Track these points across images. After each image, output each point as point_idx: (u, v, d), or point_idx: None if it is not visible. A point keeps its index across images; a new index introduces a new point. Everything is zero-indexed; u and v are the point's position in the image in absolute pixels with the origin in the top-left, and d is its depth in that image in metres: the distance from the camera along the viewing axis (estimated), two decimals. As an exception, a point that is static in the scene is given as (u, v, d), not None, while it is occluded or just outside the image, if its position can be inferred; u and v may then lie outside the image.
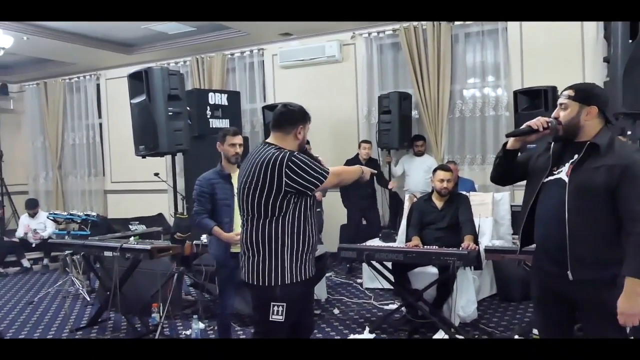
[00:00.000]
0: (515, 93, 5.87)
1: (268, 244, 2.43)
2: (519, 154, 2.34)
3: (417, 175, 6.50)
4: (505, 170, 2.36)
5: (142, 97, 4.24)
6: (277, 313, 2.42)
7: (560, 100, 2.20)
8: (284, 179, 2.36)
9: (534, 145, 2.45)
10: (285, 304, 2.42)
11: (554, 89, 5.63)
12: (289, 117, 2.50)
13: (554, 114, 2.21)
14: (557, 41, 6.01)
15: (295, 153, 2.43)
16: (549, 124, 2.17)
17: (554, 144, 2.24)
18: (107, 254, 4.30)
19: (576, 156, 2.14)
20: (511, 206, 5.32)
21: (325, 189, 2.67)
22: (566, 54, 5.97)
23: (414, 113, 6.77)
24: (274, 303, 2.42)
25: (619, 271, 2.00)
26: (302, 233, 2.46)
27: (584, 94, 2.17)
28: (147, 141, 4.26)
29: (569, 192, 2.09)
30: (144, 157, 4.49)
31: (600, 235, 2.06)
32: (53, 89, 9.12)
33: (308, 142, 2.68)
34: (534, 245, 2.30)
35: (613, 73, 3.16)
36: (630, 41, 3.12)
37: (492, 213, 5.17)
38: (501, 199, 5.27)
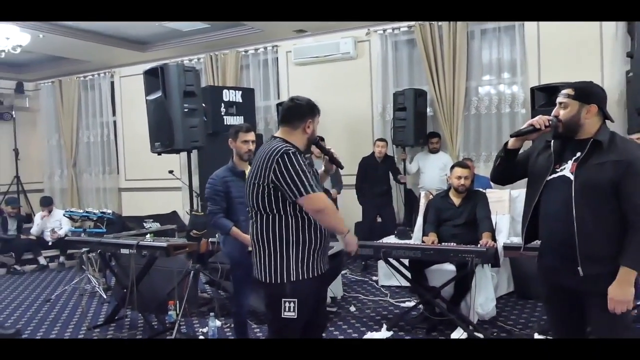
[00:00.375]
0: (532, 90, 5.80)
1: (273, 240, 2.41)
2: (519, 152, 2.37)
3: (432, 172, 6.46)
4: (507, 170, 2.38)
5: (158, 94, 4.24)
6: (289, 309, 2.40)
7: (559, 99, 2.22)
8: (270, 172, 2.34)
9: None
10: (296, 300, 2.40)
11: (572, 85, 5.56)
12: (296, 111, 2.48)
13: (553, 113, 2.23)
14: (575, 38, 5.92)
15: (293, 152, 2.35)
16: (550, 122, 2.20)
17: (554, 142, 2.26)
18: (124, 251, 4.30)
19: (579, 153, 2.17)
20: (529, 203, 5.25)
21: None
22: (584, 51, 5.89)
23: (429, 110, 6.72)
24: (285, 299, 2.40)
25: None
26: (308, 230, 2.42)
27: (583, 92, 2.21)
28: (163, 138, 4.26)
29: (575, 189, 2.12)
30: (159, 154, 4.49)
31: (608, 230, 2.10)
32: (68, 87, 9.18)
33: (322, 139, 2.65)
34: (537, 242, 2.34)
35: (637, 68, 3.09)
36: (655, 35, 3.06)
37: (509, 210, 5.11)
38: (518, 196, 5.19)
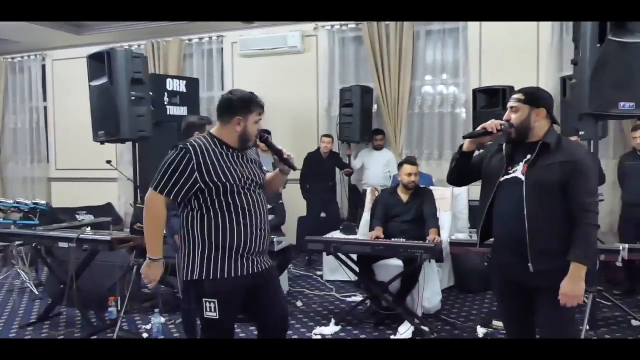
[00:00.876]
0: (474, 91, 6.02)
1: (193, 236, 2.34)
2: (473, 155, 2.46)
3: (375, 169, 6.56)
4: (462, 171, 2.48)
5: (104, 80, 4.04)
6: (210, 309, 2.32)
7: (510, 104, 2.32)
8: None
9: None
10: (216, 300, 2.31)
11: (511, 88, 5.79)
12: (227, 106, 2.36)
13: (505, 117, 2.33)
14: (514, 42, 6.18)
15: (181, 148, 2.29)
16: (502, 127, 2.30)
17: (505, 145, 2.37)
18: (62, 244, 4.08)
19: (529, 155, 2.28)
20: (469, 201, 5.45)
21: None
22: (522, 56, 6.17)
23: (374, 107, 6.81)
24: (205, 299, 2.33)
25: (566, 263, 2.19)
26: (229, 229, 2.33)
27: (532, 96, 2.32)
28: (108, 126, 4.07)
29: (526, 189, 2.23)
30: (102, 143, 4.29)
31: (557, 227, 2.21)
32: (-6, 68, 8.58)
33: (269, 132, 2.51)
34: (491, 240, 2.43)
35: (580, 75, 3.28)
36: (598, 45, 3.24)
37: (451, 207, 5.28)
38: (459, 194, 5.39)
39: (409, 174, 4.39)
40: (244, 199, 2.37)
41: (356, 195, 6.63)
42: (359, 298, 4.80)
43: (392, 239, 4.13)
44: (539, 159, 2.24)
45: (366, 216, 5.29)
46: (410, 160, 4.55)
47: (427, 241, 4.03)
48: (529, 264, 2.20)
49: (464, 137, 2.41)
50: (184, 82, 6.52)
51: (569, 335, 2.24)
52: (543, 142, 2.25)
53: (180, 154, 2.28)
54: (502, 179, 2.31)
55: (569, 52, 5.89)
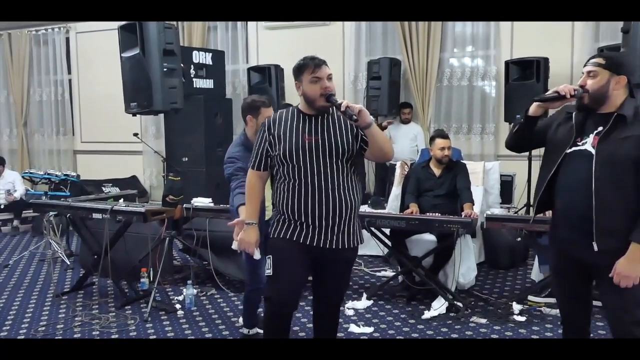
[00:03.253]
0: (507, 63, 5.87)
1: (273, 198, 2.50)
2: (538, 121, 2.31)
3: (403, 143, 6.48)
4: (523, 137, 2.34)
5: (136, 51, 3.99)
6: (268, 266, 2.42)
7: (588, 68, 2.16)
8: None
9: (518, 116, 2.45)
10: (271, 257, 2.41)
11: (546, 60, 5.66)
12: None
13: (580, 82, 2.17)
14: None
15: (265, 119, 2.50)
16: (576, 92, 2.14)
17: (575, 115, 2.22)
18: (97, 216, 4.10)
19: (601, 127, 2.13)
20: (501, 175, 5.36)
21: None
22: (556, 25, 5.96)
23: (401, 80, 6.69)
24: (267, 257, 2.45)
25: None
26: (287, 196, 2.38)
27: (614, 62, 2.17)
28: (140, 98, 4.04)
29: (596, 163, 2.09)
30: (134, 115, 4.27)
31: (626, 205, 2.07)
32: (18, 40, 8.56)
33: (332, 93, 2.34)
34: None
35: (632, 43, 3.14)
36: (652, 12, 3.10)
37: (483, 182, 5.19)
38: (491, 168, 5.29)
39: (442, 148, 4.31)
40: (307, 168, 2.33)
41: (383, 170, 6.56)
42: (388, 273, 4.78)
43: (428, 214, 4.07)
44: (613, 131, 2.09)
45: (396, 191, 5.24)
46: (442, 134, 4.46)
47: (462, 216, 3.97)
48: (594, 242, 2.09)
49: (535, 100, 2.24)
50: (210, 54, 6.45)
51: (631, 317, 2.11)
52: (619, 113, 2.10)
53: (260, 129, 2.48)
54: (569, 150, 2.17)
55: (605, 21, 5.73)
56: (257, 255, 2.55)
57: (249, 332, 3.44)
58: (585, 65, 2.20)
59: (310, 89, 2.33)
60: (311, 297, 2.70)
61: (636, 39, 3.09)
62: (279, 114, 2.46)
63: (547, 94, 2.22)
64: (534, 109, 2.25)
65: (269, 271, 2.40)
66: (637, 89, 3.09)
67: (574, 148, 2.17)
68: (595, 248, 2.09)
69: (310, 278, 2.61)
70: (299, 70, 2.36)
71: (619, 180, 2.06)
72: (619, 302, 2.12)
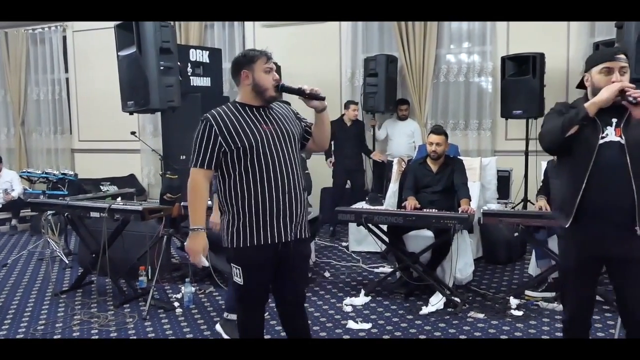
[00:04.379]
0: (503, 59, 5.88)
1: (225, 203, 2.36)
2: None
3: (400, 139, 6.49)
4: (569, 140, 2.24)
5: (132, 50, 3.99)
6: (237, 275, 2.36)
7: (622, 64, 2.15)
8: None
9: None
10: (240, 267, 2.33)
11: (542, 55, 5.67)
12: (234, 65, 2.39)
13: (614, 79, 2.13)
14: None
15: (204, 119, 2.32)
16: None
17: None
18: (94, 214, 4.11)
19: (615, 119, 2.16)
20: (497, 171, 5.38)
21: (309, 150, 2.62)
22: (551, 23, 5.96)
23: (398, 77, 6.69)
24: (232, 264, 2.37)
25: None
26: (253, 191, 2.29)
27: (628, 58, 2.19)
28: (137, 97, 4.04)
29: (628, 150, 2.11)
30: (131, 113, 4.27)
31: None
32: (15, 39, 8.55)
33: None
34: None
35: (626, 38, 3.16)
36: (645, 7, 3.11)
37: (480, 177, 5.21)
38: (488, 164, 5.31)
39: (431, 143, 4.32)
40: (268, 158, 2.30)
41: (380, 166, 6.57)
42: (386, 269, 4.80)
43: (425, 210, 4.09)
44: (629, 119, 2.12)
45: (393, 187, 5.26)
46: (434, 130, 4.46)
47: (459, 211, 3.99)
48: (637, 228, 2.08)
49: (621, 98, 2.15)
50: (207, 52, 6.45)
51: None
52: None
53: (202, 125, 2.32)
54: (600, 142, 2.16)
55: (601, 17, 5.75)
56: (205, 263, 2.38)
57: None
58: (610, 60, 2.16)
59: (263, 78, 2.32)
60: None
61: (630, 34, 3.11)
62: (217, 111, 2.34)
63: (607, 96, 2.11)
64: (593, 109, 2.14)
65: (239, 280, 2.35)
66: (635, 83, 3.12)
67: (600, 141, 2.16)
68: (639, 232, 2.09)
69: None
70: (251, 60, 2.33)
71: None
72: None
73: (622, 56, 2.16)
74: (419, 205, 4.16)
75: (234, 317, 3.47)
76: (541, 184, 4.37)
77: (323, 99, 2.35)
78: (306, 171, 5.19)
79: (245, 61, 2.34)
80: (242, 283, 2.35)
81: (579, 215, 2.21)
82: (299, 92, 2.35)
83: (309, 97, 2.35)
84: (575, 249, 2.28)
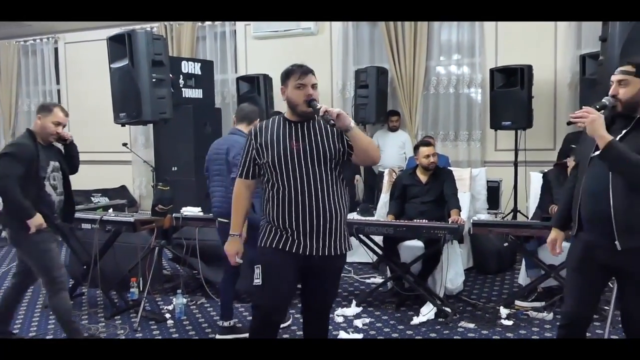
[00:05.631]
0: (492, 71, 5.96)
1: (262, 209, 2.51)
2: None
3: (391, 150, 6.52)
4: None
5: (124, 62, 4.02)
6: (257, 276, 2.43)
7: (619, 77, 2.20)
8: None
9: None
10: (260, 267, 2.42)
11: (530, 67, 5.75)
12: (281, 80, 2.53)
13: (611, 92, 2.20)
14: (531, 22, 6.09)
15: (252, 128, 2.54)
16: (607, 102, 2.19)
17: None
18: (86, 226, 4.11)
19: (624, 131, 2.20)
20: (487, 181, 5.43)
21: None
22: (539, 33, 6.08)
23: (389, 88, 6.76)
24: (255, 266, 2.45)
25: None
26: (275, 203, 2.38)
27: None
28: (129, 109, 4.06)
29: None
30: (123, 125, 4.29)
31: None
32: (6, 51, 8.55)
33: (314, 99, 2.40)
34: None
35: (610, 52, 3.23)
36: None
37: (470, 188, 5.26)
38: (478, 175, 5.36)
39: (427, 156, 4.37)
40: (293, 174, 2.34)
41: (372, 177, 6.61)
42: (377, 280, 4.82)
43: (415, 220, 4.12)
44: (631, 133, 2.16)
45: (384, 198, 5.29)
46: (425, 142, 4.53)
47: (449, 222, 4.02)
48: (616, 242, 2.14)
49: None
50: (199, 64, 6.49)
51: None
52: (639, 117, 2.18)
53: (247, 138, 2.51)
54: (593, 155, 2.22)
55: (587, 29, 5.85)
56: (238, 262, 2.62)
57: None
58: (614, 74, 2.22)
59: (294, 94, 2.37)
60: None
61: (613, 47, 3.17)
62: (265, 122, 2.49)
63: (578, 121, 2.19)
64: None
65: (257, 281, 2.41)
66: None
67: (595, 152, 2.21)
68: (619, 247, 2.14)
69: (300, 286, 2.63)
70: (286, 75, 2.40)
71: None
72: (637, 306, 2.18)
73: (628, 68, 2.20)
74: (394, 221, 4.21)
75: (227, 323, 3.63)
76: (541, 192, 4.38)
77: (333, 125, 2.28)
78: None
79: (284, 76, 2.42)
80: (260, 283, 2.40)
81: (581, 224, 2.30)
82: (316, 111, 2.32)
83: (322, 117, 2.31)
84: (578, 249, 2.34)
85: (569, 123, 2.20)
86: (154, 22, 7.54)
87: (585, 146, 2.31)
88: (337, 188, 2.39)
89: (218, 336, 3.64)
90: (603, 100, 2.18)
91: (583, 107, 2.19)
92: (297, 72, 2.37)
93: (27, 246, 3.23)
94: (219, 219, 3.56)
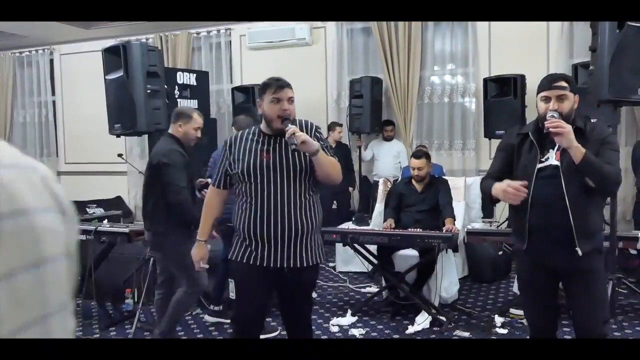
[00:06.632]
0: (485, 81, 6.00)
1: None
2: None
3: (386, 160, 6.56)
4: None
5: (119, 73, 4.04)
6: (232, 290, 2.51)
7: (559, 92, 2.24)
8: None
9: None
10: (234, 281, 2.51)
11: (523, 77, 5.80)
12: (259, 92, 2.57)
13: (552, 107, 2.24)
14: (523, 30, 6.15)
15: (227, 138, 2.56)
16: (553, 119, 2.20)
17: (532, 134, 2.32)
18: (80, 237, 4.09)
19: (557, 145, 2.24)
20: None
21: None
22: (532, 43, 6.15)
23: (383, 98, 6.80)
24: (229, 278, 2.51)
25: (602, 241, 2.35)
26: (243, 215, 2.38)
27: (573, 83, 2.32)
28: (124, 120, 4.07)
29: (563, 174, 2.21)
30: (118, 136, 4.30)
31: (596, 206, 2.28)
32: (2, 63, 8.57)
33: (289, 119, 2.35)
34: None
35: (599, 62, 3.27)
36: (618, 31, 3.23)
37: (464, 197, 5.29)
38: (473, 183, 5.38)
39: (413, 168, 4.40)
40: (262, 187, 2.34)
41: (367, 187, 6.63)
42: (373, 289, 4.82)
43: (410, 229, 4.14)
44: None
45: (379, 207, 5.31)
46: (414, 154, 4.54)
47: (443, 231, 4.04)
48: (577, 249, 2.19)
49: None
50: (194, 75, 6.51)
51: (600, 316, 2.26)
52: (577, 126, 2.24)
53: (222, 147, 2.54)
54: (538, 167, 2.26)
55: (579, 38, 5.92)
56: (203, 267, 2.70)
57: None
58: (548, 89, 2.27)
59: (269, 108, 2.35)
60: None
61: (603, 57, 3.21)
62: (240, 132, 2.49)
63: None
64: (495, 193, 2.28)
65: (232, 294, 2.45)
66: (605, 105, 3.22)
67: (539, 165, 2.28)
68: (580, 252, 2.19)
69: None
70: (263, 89, 2.40)
71: (586, 186, 2.20)
72: (589, 302, 2.25)
73: (562, 83, 2.25)
74: (394, 226, 4.21)
75: (217, 308, 3.84)
76: None
77: (294, 150, 2.28)
78: None
79: (261, 89, 2.44)
80: (234, 297, 2.45)
81: (530, 237, 2.30)
82: (284, 132, 2.31)
83: (287, 140, 2.30)
84: (527, 264, 2.40)
85: (546, 130, 2.20)
86: (149, 33, 7.59)
87: (522, 159, 2.33)
88: (308, 201, 2.39)
89: (206, 317, 3.92)
90: (549, 115, 2.20)
91: (548, 118, 2.20)
92: (273, 86, 2.36)
93: (174, 250, 3.21)
94: (227, 224, 3.56)
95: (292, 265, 2.38)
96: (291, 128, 2.27)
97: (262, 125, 2.45)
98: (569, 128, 2.14)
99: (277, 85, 2.36)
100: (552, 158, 2.26)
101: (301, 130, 2.34)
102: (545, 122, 2.18)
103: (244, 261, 2.39)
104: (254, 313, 2.46)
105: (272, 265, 2.37)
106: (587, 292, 2.25)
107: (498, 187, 2.21)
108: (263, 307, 2.51)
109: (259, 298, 2.45)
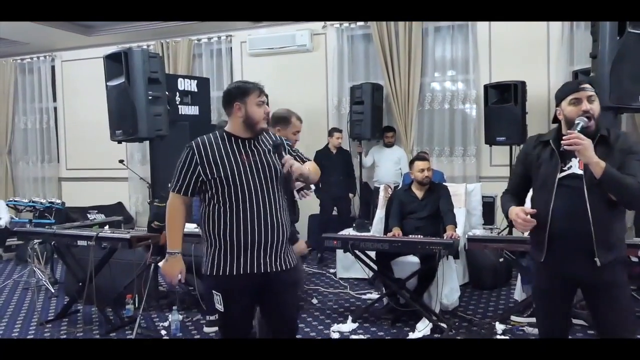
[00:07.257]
0: (486, 87, 6.01)
1: (204, 231, 2.38)
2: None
3: (387, 166, 6.56)
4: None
5: (121, 80, 4.06)
6: (218, 302, 2.36)
7: (589, 93, 2.20)
8: None
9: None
10: (220, 294, 2.34)
11: (523, 83, 5.80)
12: (226, 96, 2.40)
13: (584, 108, 2.18)
14: (524, 36, 6.17)
15: (188, 146, 2.36)
16: (583, 122, 2.17)
17: (553, 142, 2.27)
18: (82, 243, 4.11)
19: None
20: (482, 197, 5.45)
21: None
22: (532, 49, 6.16)
23: (384, 104, 6.81)
24: (213, 291, 2.37)
25: (625, 252, 2.25)
26: (228, 222, 2.30)
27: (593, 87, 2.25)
28: (125, 126, 4.09)
29: (586, 183, 2.16)
30: (119, 142, 4.31)
31: (618, 216, 2.21)
32: (3, 69, 8.60)
33: (282, 145, 2.44)
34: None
35: (600, 68, 3.28)
36: (618, 38, 3.25)
37: (465, 203, 5.28)
38: (473, 190, 5.38)
39: (422, 170, 4.40)
40: (245, 190, 2.31)
41: (368, 193, 6.63)
42: (374, 295, 4.81)
43: (411, 236, 4.14)
44: (595, 150, 2.14)
45: (380, 213, 5.30)
46: (420, 157, 4.56)
47: (444, 237, 4.04)
48: (596, 259, 2.14)
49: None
50: (195, 81, 6.53)
51: (629, 333, 2.19)
52: (602, 134, 2.20)
53: (186, 152, 2.36)
54: (560, 176, 2.22)
55: (580, 45, 5.93)
56: (180, 281, 2.50)
57: None
58: (576, 91, 2.21)
59: (255, 111, 2.35)
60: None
61: (603, 64, 3.22)
62: (206, 137, 2.40)
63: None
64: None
65: (219, 306, 2.36)
66: (606, 111, 3.23)
67: (561, 174, 2.23)
68: (598, 263, 2.15)
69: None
70: (244, 93, 2.36)
71: (609, 196, 2.15)
72: (616, 318, 2.20)
73: (588, 85, 2.22)
74: (401, 234, 4.22)
75: (213, 317, 3.80)
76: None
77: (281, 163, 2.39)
78: (294, 199, 5.24)
79: (239, 93, 2.36)
80: (222, 310, 2.35)
81: (549, 247, 2.27)
82: (280, 156, 2.40)
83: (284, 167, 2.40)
84: (545, 272, 2.35)
85: (562, 150, 2.18)
86: (151, 40, 7.62)
87: (543, 168, 2.29)
88: (282, 203, 2.41)
89: (205, 329, 3.95)
90: (578, 121, 2.16)
91: (568, 131, 2.16)
92: (257, 90, 2.37)
93: None
94: None
95: (277, 269, 2.37)
96: (289, 160, 2.35)
97: (234, 129, 2.39)
98: (587, 143, 2.09)
99: (259, 89, 2.39)
100: (575, 167, 2.21)
101: (277, 149, 2.41)
102: (562, 140, 2.14)
103: (227, 273, 2.31)
104: (245, 324, 2.45)
105: (256, 270, 2.33)
106: (614, 307, 2.19)
107: (512, 213, 2.26)
108: (250, 319, 2.50)
109: (248, 306, 2.43)
